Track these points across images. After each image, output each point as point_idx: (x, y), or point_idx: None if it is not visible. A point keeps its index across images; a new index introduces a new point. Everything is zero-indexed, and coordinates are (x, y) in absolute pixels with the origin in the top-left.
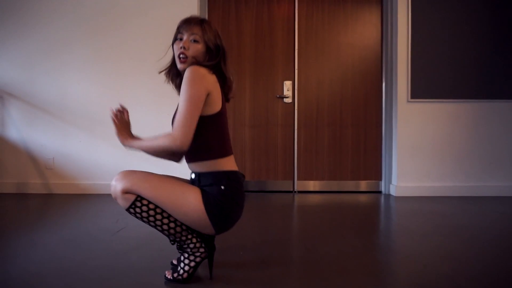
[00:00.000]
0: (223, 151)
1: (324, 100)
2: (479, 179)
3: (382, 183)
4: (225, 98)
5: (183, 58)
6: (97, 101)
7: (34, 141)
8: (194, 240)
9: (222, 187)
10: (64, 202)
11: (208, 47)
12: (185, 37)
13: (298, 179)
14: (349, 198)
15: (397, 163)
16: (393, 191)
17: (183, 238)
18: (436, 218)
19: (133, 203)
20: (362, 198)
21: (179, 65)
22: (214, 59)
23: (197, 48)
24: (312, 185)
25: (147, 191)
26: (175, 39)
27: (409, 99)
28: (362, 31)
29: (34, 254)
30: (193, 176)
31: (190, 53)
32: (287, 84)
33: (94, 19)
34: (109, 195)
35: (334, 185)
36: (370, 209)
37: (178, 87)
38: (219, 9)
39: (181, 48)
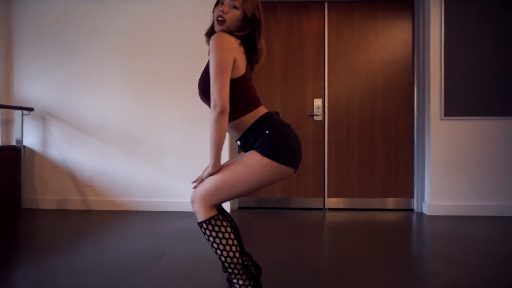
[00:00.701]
0: (249, 107)
1: (355, 117)
2: None
3: (414, 200)
4: (251, 67)
5: (220, 20)
6: (132, 121)
7: (73, 160)
8: (244, 277)
9: (267, 131)
10: (102, 219)
11: (246, 15)
12: (226, 1)
13: (329, 196)
14: (381, 216)
15: (430, 181)
16: (426, 210)
17: (235, 271)
18: (471, 241)
19: (209, 219)
20: (394, 216)
21: (216, 27)
22: (248, 28)
23: (234, 14)
24: (342, 202)
25: (225, 194)
26: (217, 3)
27: (442, 117)
28: (393, 47)
29: (72, 280)
30: (238, 143)
31: (227, 17)
32: (317, 102)
33: (129, 44)
34: (146, 212)
35: (365, 202)
36: (403, 229)
37: None
38: None
39: (220, 11)
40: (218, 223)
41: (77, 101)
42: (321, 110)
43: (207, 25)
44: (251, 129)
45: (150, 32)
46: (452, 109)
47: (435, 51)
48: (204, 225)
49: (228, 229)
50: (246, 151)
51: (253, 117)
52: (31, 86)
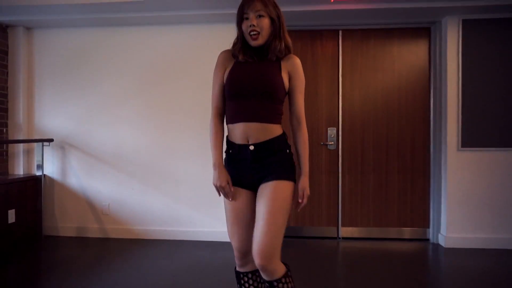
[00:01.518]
0: (281, 117)
1: (369, 146)
2: None
3: (430, 230)
4: None
5: (254, 35)
6: (149, 151)
7: (91, 188)
8: None
9: (288, 151)
10: (120, 248)
11: (272, 18)
12: (251, 15)
13: (343, 225)
14: (396, 246)
15: (446, 213)
16: (442, 241)
17: None
18: (488, 277)
19: (288, 270)
20: (410, 247)
21: (252, 42)
22: (278, 30)
23: (264, 22)
24: (357, 231)
25: (281, 238)
26: (241, 19)
27: (460, 148)
28: (409, 74)
29: None
30: (251, 148)
31: (260, 28)
32: (331, 131)
33: (146, 76)
34: (162, 240)
35: (380, 231)
36: (419, 262)
37: (251, 57)
38: None
39: (250, 26)
40: (290, 272)
41: (95, 132)
42: (335, 139)
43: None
44: (275, 141)
45: (168, 65)
46: (469, 139)
47: (452, 80)
48: (285, 279)
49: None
50: (252, 159)
51: (280, 129)
52: (51, 117)
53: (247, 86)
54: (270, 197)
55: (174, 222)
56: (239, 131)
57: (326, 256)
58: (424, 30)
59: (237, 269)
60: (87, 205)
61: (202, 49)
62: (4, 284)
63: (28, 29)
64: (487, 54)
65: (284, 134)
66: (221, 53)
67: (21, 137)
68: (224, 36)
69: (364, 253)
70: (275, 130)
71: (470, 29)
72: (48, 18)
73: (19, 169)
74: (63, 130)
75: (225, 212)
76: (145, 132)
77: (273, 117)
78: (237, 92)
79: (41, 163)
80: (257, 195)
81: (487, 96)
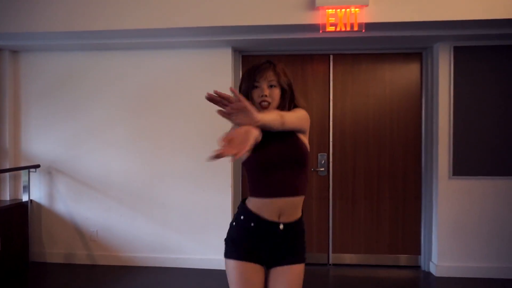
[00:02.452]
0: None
1: (360, 172)
2: None
3: (422, 258)
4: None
5: (265, 105)
6: (137, 177)
7: (79, 214)
8: None
9: (304, 228)
10: (108, 275)
11: (283, 88)
12: (262, 85)
13: (333, 251)
14: (387, 274)
15: (437, 241)
16: (433, 270)
17: None
18: None
19: None
20: (401, 274)
21: (261, 111)
22: (287, 99)
23: (275, 93)
24: (348, 258)
25: None
26: (251, 86)
27: (451, 176)
28: (400, 100)
29: None
30: (281, 227)
31: (271, 99)
32: (322, 157)
33: (134, 101)
34: (151, 268)
35: (371, 258)
36: None
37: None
38: None
39: (262, 96)
40: None
41: (83, 157)
42: (325, 165)
43: (213, 84)
44: (301, 221)
45: (157, 89)
46: (461, 167)
47: (444, 107)
48: None
49: None
50: (281, 240)
51: (302, 202)
52: (38, 142)
53: (276, 156)
54: (289, 285)
55: (163, 249)
56: (272, 207)
57: (317, 283)
58: (415, 55)
59: None
60: (75, 231)
61: (191, 74)
62: None
63: (14, 52)
64: (479, 81)
65: (302, 212)
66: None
67: (7, 163)
68: (214, 61)
69: (355, 280)
70: (301, 205)
71: (461, 56)
72: (34, 43)
73: (5, 195)
74: (50, 155)
75: (230, 276)
76: (133, 158)
77: (305, 186)
78: (267, 164)
79: (28, 189)
80: (274, 277)
81: (479, 124)
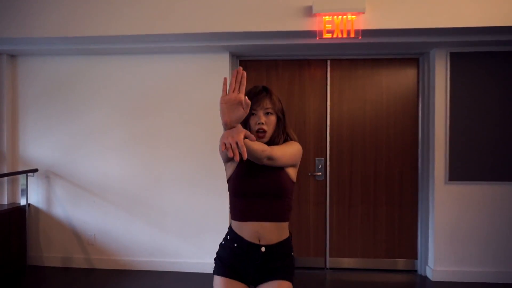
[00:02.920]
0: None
1: (357, 177)
2: None
3: (418, 262)
4: None
5: (262, 133)
6: (135, 181)
7: (77, 218)
8: None
9: (292, 254)
10: (105, 279)
11: (278, 116)
12: (259, 112)
13: (330, 256)
14: (384, 277)
15: (434, 245)
16: (429, 274)
17: None
18: None
19: None
20: (398, 278)
21: (260, 139)
22: (281, 127)
23: (271, 120)
24: (345, 262)
25: None
26: (249, 114)
27: (447, 181)
28: (397, 105)
29: None
30: (263, 249)
31: (267, 127)
32: (319, 161)
33: (132, 106)
34: (149, 272)
35: (367, 262)
36: None
37: None
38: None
39: (258, 124)
40: None
41: (81, 161)
42: (322, 169)
43: (211, 88)
44: (285, 244)
45: (154, 94)
46: (457, 173)
47: (440, 113)
48: None
49: None
50: (262, 261)
51: (288, 227)
52: (35, 146)
53: (255, 187)
54: None
55: (160, 253)
56: (250, 231)
57: (314, 287)
58: (412, 61)
59: None
60: (73, 235)
61: (189, 79)
62: None
63: (12, 56)
64: (475, 87)
65: (290, 234)
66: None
67: (4, 167)
68: (212, 66)
69: (352, 284)
70: (286, 230)
71: (457, 62)
72: (32, 47)
73: (3, 199)
74: (47, 160)
75: None
76: (131, 162)
77: (285, 214)
78: (245, 192)
79: (25, 192)
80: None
81: (475, 129)
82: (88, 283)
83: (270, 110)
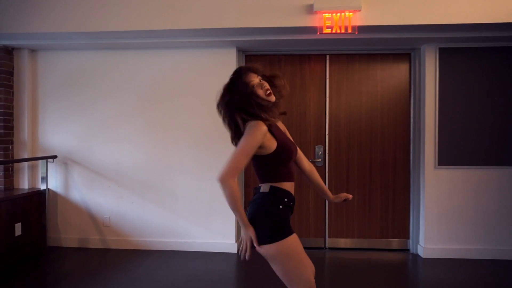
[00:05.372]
0: None
1: (354, 163)
2: (507, 243)
3: (410, 242)
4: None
5: (269, 92)
6: (147, 167)
7: (93, 202)
8: None
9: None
10: (120, 258)
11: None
12: (256, 80)
13: (329, 236)
14: (379, 256)
15: (424, 225)
16: (420, 252)
17: None
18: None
19: None
20: (391, 256)
21: (270, 98)
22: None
23: (266, 83)
24: (342, 242)
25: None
26: (246, 85)
27: (437, 166)
28: (391, 97)
29: None
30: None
31: (269, 88)
32: (319, 149)
33: (145, 96)
34: (159, 251)
35: (363, 242)
36: (398, 271)
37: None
38: None
39: (263, 88)
40: None
41: (97, 149)
42: (322, 156)
43: (218, 81)
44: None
45: (166, 86)
46: (446, 158)
47: (430, 103)
48: None
49: None
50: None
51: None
52: (54, 134)
53: (295, 151)
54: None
55: (171, 233)
56: (292, 187)
57: (314, 265)
58: (405, 56)
59: None
60: (89, 217)
61: (198, 72)
62: None
63: (33, 51)
64: (462, 80)
65: None
66: (263, 126)
67: (25, 154)
68: (219, 60)
69: (349, 262)
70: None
71: (446, 56)
72: (52, 42)
73: (23, 184)
74: (65, 147)
75: (297, 256)
76: (144, 149)
77: None
78: (291, 157)
79: (45, 178)
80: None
81: (461, 119)
82: (103, 262)
83: (260, 75)
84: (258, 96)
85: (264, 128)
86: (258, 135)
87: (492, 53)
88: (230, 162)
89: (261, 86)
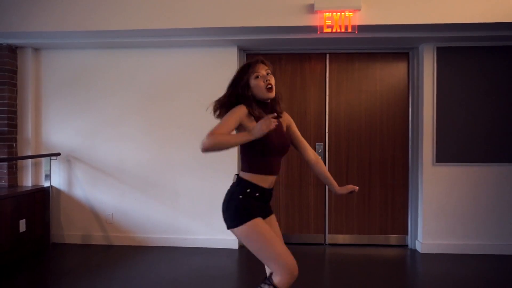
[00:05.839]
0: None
1: (354, 161)
2: (503, 238)
3: (408, 237)
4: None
5: (270, 87)
6: (150, 165)
7: (96, 199)
8: None
9: None
10: (122, 254)
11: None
12: (263, 72)
13: (329, 232)
14: (377, 252)
15: (422, 221)
16: (419, 247)
17: None
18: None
19: None
20: (390, 252)
21: (269, 93)
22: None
23: (273, 78)
24: (342, 238)
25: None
26: (248, 80)
27: (435, 163)
28: (389, 95)
29: None
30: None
31: (272, 82)
32: (319, 146)
33: (146, 95)
34: (161, 247)
35: (363, 238)
36: (397, 266)
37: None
38: None
39: (266, 81)
40: None
41: (100, 146)
42: (322, 153)
43: (220, 80)
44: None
45: (167, 84)
46: (443, 155)
47: (428, 102)
48: None
49: None
50: (268, 201)
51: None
52: (57, 132)
53: (281, 147)
54: (277, 225)
55: (173, 230)
56: (269, 181)
57: (314, 261)
58: (403, 55)
59: None
60: (92, 214)
61: (200, 70)
62: None
63: (36, 49)
64: (459, 78)
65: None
66: (242, 107)
67: (29, 151)
68: (221, 59)
69: (349, 258)
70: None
71: (443, 55)
72: (55, 41)
73: (27, 181)
74: (69, 145)
75: (262, 237)
76: (146, 147)
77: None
78: (275, 152)
79: (49, 175)
80: (271, 220)
81: (459, 117)
82: (106, 258)
83: (269, 71)
84: (256, 86)
85: (244, 108)
86: (237, 111)
87: (489, 52)
88: (209, 131)
89: (264, 78)
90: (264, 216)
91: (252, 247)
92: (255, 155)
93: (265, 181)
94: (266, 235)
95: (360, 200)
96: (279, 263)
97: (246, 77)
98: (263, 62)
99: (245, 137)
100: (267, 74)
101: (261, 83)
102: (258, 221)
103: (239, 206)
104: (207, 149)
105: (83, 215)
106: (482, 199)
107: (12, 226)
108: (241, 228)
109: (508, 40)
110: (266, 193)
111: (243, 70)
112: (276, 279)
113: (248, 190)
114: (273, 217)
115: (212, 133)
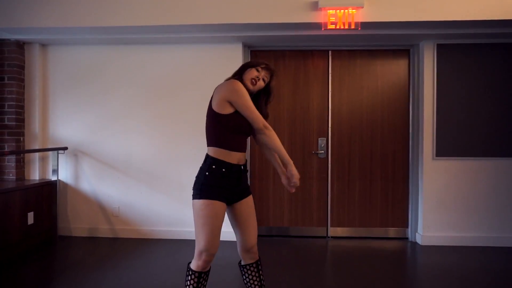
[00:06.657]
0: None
1: (355, 155)
2: (502, 230)
3: (409, 230)
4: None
5: (253, 82)
6: (155, 158)
7: (102, 192)
8: None
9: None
10: (129, 247)
11: (266, 89)
12: (262, 74)
13: (331, 225)
14: (379, 244)
15: (422, 214)
16: (419, 240)
17: None
18: (459, 272)
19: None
20: (391, 244)
21: (251, 87)
22: (262, 93)
23: (260, 85)
24: (344, 231)
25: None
26: (251, 66)
27: (434, 157)
28: (390, 91)
29: None
30: (242, 167)
31: (258, 84)
32: (321, 141)
33: (152, 90)
34: (167, 240)
35: (364, 231)
36: (398, 258)
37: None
38: None
39: (256, 77)
40: None
41: (106, 141)
42: (325, 148)
43: (225, 75)
44: (245, 165)
45: (173, 79)
46: (443, 150)
47: (428, 97)
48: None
49: None
50: (239, 178)
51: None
52: (64, 127)
53: (248, 128)
54: (252, 206)
55: (178, 223)
56: (236, 157)
57: (317, 253)
58: (404, 52)
59: (201, 270)
60: (99, 208)
61: (205, 66)
62: (25, 281)
63: (43, 45)
64: (459, 75)
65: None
66: (241, 84)
67: (36, 146)
68: (226, 55)
69: (351, 251)
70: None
71: (443, 52)
72: (62, 37)
73: (34, 175)
74: (75, 139)
75: (204, 219)
76: (152, 141)
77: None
78: (243, 130)
79: (56, 169)
80: (243, 204)
81: (458, 112)
82: (112, 251)
83: (266, 80)
84: (248, 73)
85: (242, 84)
86: (243, 89)
87: (488, 49)
88: (255, 114)
89: (258, 75)
90: (236, 199)
91: (194, 222)
92: (225, 131)
93: (231, 156)
94: (209, 220)
95: (361, 193)
96: (198, 245)
97: (250, 65)
98: (268, 69)
99: (286, 158)
100: (262, 79)
101: (253, 74)
102: (214, 203)
103: (204, 182)
104: (268, 133)
105: (89, 209)
106: (480, 192)
107: (20, 218)
108: (195, 202)
109: (506, 38)
110: (235, 169)
111: (252, 63)
112: (192, 262)
113: (214, 167)
114: (249, 199)
115: (269, 128)
